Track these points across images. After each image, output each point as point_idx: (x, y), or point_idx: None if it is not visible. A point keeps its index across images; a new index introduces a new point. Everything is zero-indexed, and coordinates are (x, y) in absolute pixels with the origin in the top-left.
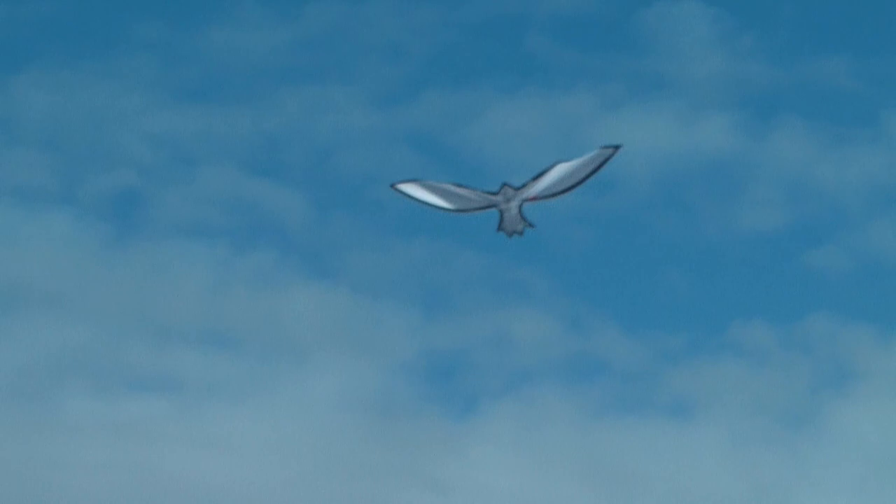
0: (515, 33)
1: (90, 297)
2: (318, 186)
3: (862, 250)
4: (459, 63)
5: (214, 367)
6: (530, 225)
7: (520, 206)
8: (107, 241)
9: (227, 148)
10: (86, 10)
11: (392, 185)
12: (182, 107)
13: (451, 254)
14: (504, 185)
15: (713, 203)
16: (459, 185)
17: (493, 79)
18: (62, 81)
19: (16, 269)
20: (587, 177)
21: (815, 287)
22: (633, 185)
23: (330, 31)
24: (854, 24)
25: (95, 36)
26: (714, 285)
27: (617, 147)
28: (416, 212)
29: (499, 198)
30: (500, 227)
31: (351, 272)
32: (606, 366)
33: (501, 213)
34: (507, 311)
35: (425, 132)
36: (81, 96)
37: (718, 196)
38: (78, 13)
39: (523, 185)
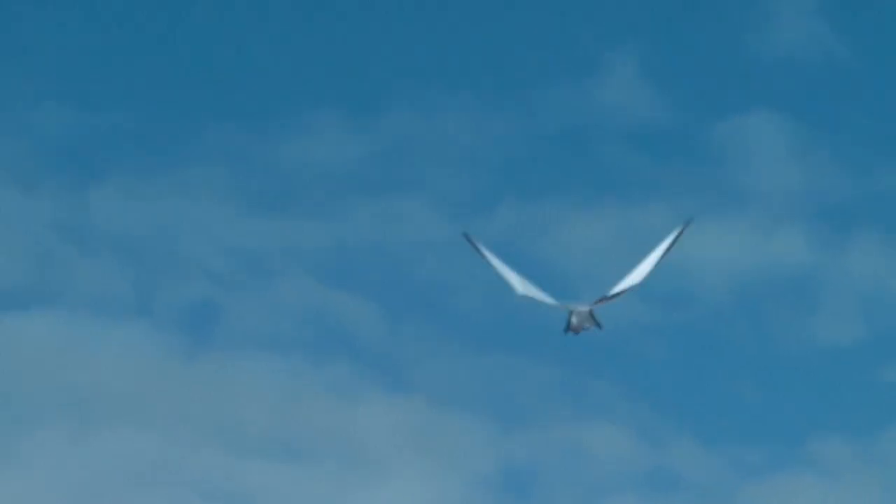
0: (589, 145)
1: (164, 408)
2: (392, 298)
3: None
4: (533, 174)
5: (288, 480)
6: (599, 325)
7: (591, 309)
8: (181, 352)
9: (302, 259)
10: (162, 121)
11: (465, 234)
12: (257, 218)
13: (527, 366)
14: (577, 303)
15: (788, 316)
16: (535, 287)
17: (567, 191)
18: (139, 193)
19: (91, 379)
20: (657, 261)
21: (891, 401)
22: (708, 298)
23: (405, 143)
24: None
25: (172, 147)
26: (790, 399)
27: (688, 222)
28: (490, 324)
29: (570, 307)
30: (568, 328)
31: (426, 384)
32: (682, 480)
33: (571, 313)
34: (583, 424)
35: (501, 244)
36: (157, 208)
37: (794, 309)
38: (154, 125)
39: (596, 301)
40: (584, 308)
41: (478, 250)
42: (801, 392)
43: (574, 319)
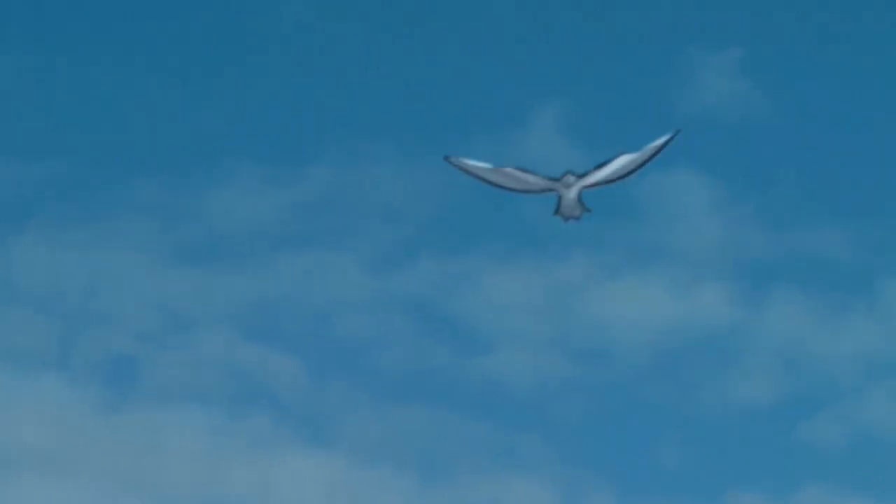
0: (510, 199)
1: (83, 462)
2: (314, 352)
3: (856, 422)
4: (456, 228)
5: None
6: (588, 210)
7: (579, 192)
8: (101, 405)
9: (225, 312)
10: (85, 171)
11: (446, 158)
12: (180, 270)
13: (448, 421)
14: (567, 172)
15: (708, 373)
16: (521, 169)
17: (488, 245)
18: (60, 243)
19: (9, 432)
20: (646, 162)
21: (810, 459)
22: (628, 355)
23: (328, 196)
24: (849, 194)
25: (95, 198)
26: (709, 456)
27: (677, 131)
28: (412, 378)
29: (559, 183)
30: (557, 211)
31: (347, 438)
32: None
33: (560, 197)
34: (504, 479)
35: (421, 298)
36: (80, 259)
37: (713, 366)
38: (77, 176)
39: (586, 173)
40: (573, 193)
41: (462, 168)
42: (719, 449)
43: (563, 202)
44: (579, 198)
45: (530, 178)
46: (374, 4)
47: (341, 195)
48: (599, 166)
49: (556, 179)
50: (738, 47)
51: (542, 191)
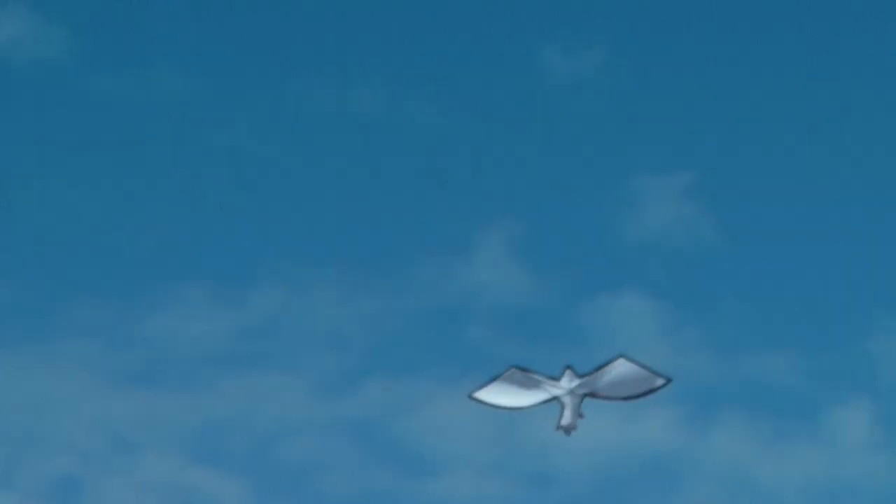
0: (456, 325)
1: None
2: (259, 475)
3: None
4: (401, 353)
5: None
6: (581, 416)
7: (581, 398)
8: None
9: (169, 435)
10: (26, 293)
11: (471, 396)
12: (123, 393)
13: None
14: (567, 367)
15: (652, 499)
16: (521, 369)
17: (433, 371)
18: (2, 364)
19: None
20: (639, 396)
21: None
22: (572, 479)
23: (273, 320)
24: (797, 321)
25: (36, 320)
26: None
27: (669, 380)
28: (357, 501)
29: (562, 383)
30: (559, 426)
31: None
32: None
33: (563, 405)
34: None
35: (365, 422)
36: (21, 380)
37: (657, 491)
38: (18, 297)
39: (588, 374)
40: (575, 401)
41: (485, 403)
42: None
43: (566, 415)
44: (579, 406)
45: (532, 379)
46: (316, 127)
47: (286, 319)
48: (599, 368)
49: (557, 379)
50: (685, 171)
51: (545, 401)
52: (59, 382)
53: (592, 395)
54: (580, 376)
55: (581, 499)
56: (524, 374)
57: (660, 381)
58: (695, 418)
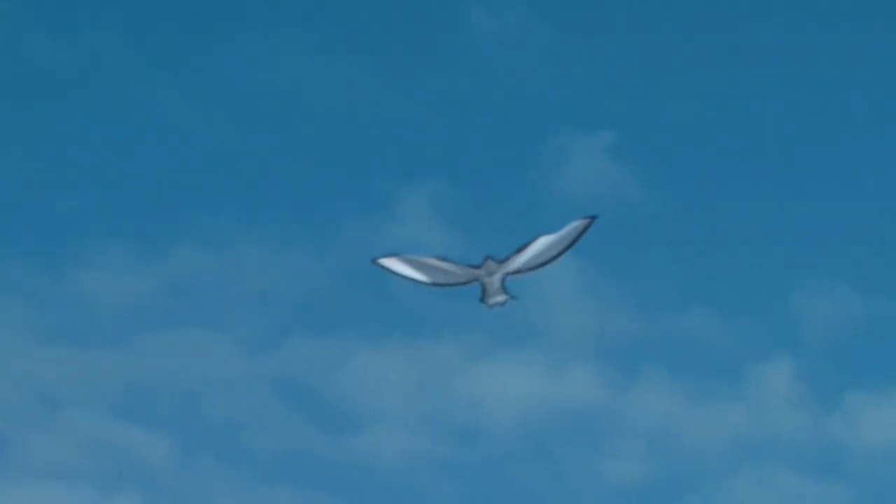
0: (380, 280)
1: None
2: (184, 431)
3: None
4: (326, 310)
5: None
6: (512, 297)
7: (503, 280)
8: None
9: (93, 391)
10: None
11: (373, 260)
12: (47, 349)
13: (319, 499)
14: (487, 258)
15: (578, 454)
16: (442, 259)
17: (359, 326)
18: None
19: None
20: (567, 248)
21: None
22: (496, 435)
23: (197, 277)
24: (718, 279)
25: None
26: None
27: (593, 217)
28: (283, 458)
29: (481, 271)
30: (482, 300)
31: None
32: None
33: (484, 286)
34: None
35: (291, 378)
36: None
37: (583, 447)
38: None
39: (506, 259)
40: (496, 282)
41: (389, 270)
42: None
43: (487, 291)
44: (503, 285)
45: (452, 268)
46: (242, 86)
47: (213, 276)
48: (519, 250)
49: (478, 267)
50: (609, 129)
51: (466, 282)
52: None
53: (516, 272)
54: (499, 262)
55: (508, 454)
56: (443, 262)
57: (584, 222)
58: (618, 375)
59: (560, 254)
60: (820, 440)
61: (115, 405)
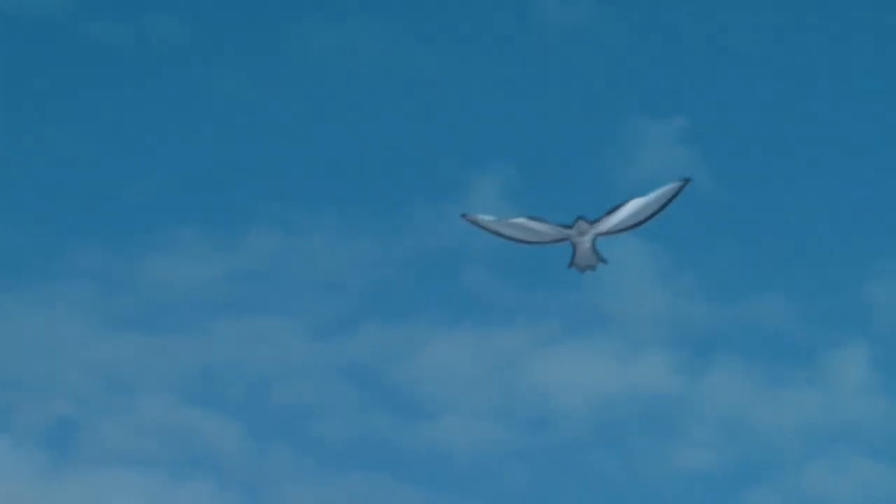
0: (451, 268)
1: None
2: (255, 417)
3: (797, 492)
4: (397, 297)
5: None
6: (603, 260)
7: (593, 240)
8: (42, 469)
9: (165, 377)
10: (24, 237)
11: (463, 215)
12: (119, 335)
13: (391, 487)
14: (578, 218)
15: (650, 441)
16: (532, 218)
17: (430, 314)
18: None
19: None
20: (659, 210)
21: None
22: (569, 422)
23: (268, 263)
24: (792, 265)
25: (35, 263)
26: None
27: (686, 180)
28: (354, 445)
29: (572, 231)
30: (572, 263)
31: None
32: None
33: (574, 246)
34: None
35: (363, 365)
36: (18, 324)
37: (655, 434)
38: (15, 241)
39: (597, 219)
40: (587, 243)
41: (478, 225)
42: None
43: (577, 252)
44: (593, 247)
45: (542, 227)
46: (312, 70)
47: (282, 262)
48: (611, 211)
49: (569, 227)
50: (681, 115)
51: (556, 241)
52: (55, 325)
53: (608, 233)
54: (590, 222)
55: (580, 442)
56: (534, 221)
57: (677, 185)
58: (692, 362)
59: (652, 216)
60: (895, 427)
61: (187, 391)
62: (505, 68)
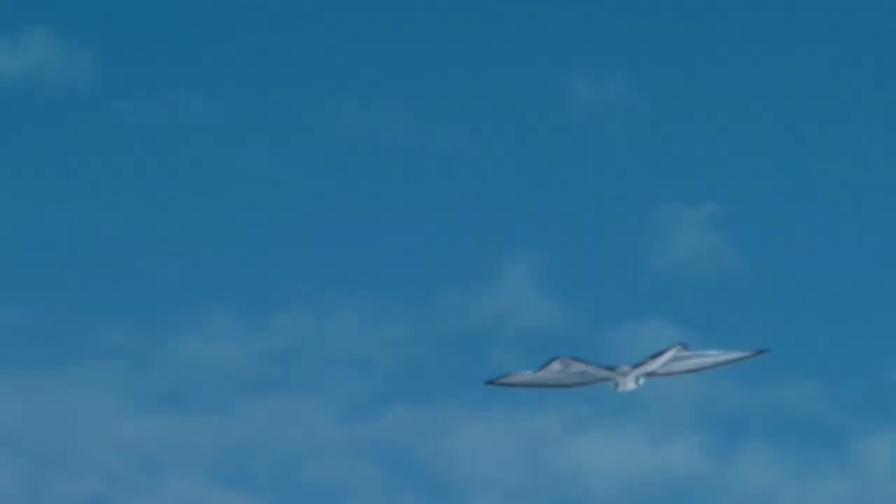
0: (481, 350)
1: None
2: (283, 497)
3: None
4: (426, 378)
5: None
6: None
7: (637, 380)
8: None
9: (194, 457)
10: (56, 316)
11: (487, 382)
12: (150, 415)
13: None
14: (622, 364)
15: None
16: (574, 359)
17: (460, 394)
18: (32, 385)
19: None
20: (714, 366)
21: None
22: None
23: (297, 344)
24: (823, 350)
25: (67, 341)
26: None
27: (763, 351)
28: None
29: (614, 372)
30: (615, 388)
31: None
32: None
33: (616, 384)
34: None
35: (392, 446)
36: (51, 401)
37: None
38: (48, 319)
39: (641, 363)
40: (630, 384)
41: (504, 384)
42: None
43: (619, 388)
44: (638, 385)
45: (584, 367)
46: (343, 154)
47: (311, 343)
48: (654, 357)
49: (612, 369)
50: (712, 201)
51: (599, 381)
52: (87, 404)
53: (652, 374)
54: (633, 366)
55: None
56: (575, 361)
57: (749, 353)
58: (721, 446)
59: (704, 369)
60: None
61: (215, 471)
62: (535, 151)
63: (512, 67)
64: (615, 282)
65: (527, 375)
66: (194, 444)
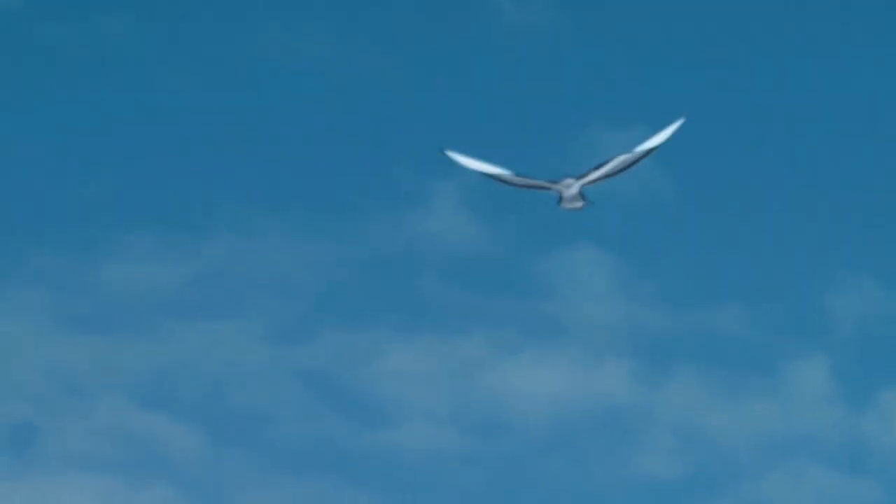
0: (409, 274)
1: None
2: (212, 422)
3: (755, 501)
4: (355, 301)
5: None
6: (590, 202)
7: (580, 188)
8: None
9: (121, 380)
10: None
11: (442, 151)
12: (76, 339)
13: (347, 492)
14: (565, 176)
15: (608, 449)
16: (520, 176)
17: (387, 319)
18: None
19: None
20: (645, 155)
21: None
22: (525, 431)
23: (224, 267)
24: (752, 275)
25: None
26: None
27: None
28: (311, 450)
29: (559, 185)
30: (559, 203)
31: None
32: None
33: (561, 192)
34: None
35: (319, 370)
36: None
37: (613, 443)
38: None
39: (584, 174)
40: (574, 189)
41: (455, 163)
42: None
43: (564, 197)
44: (580, 192)
45: (530, 181)
46: (265, 76)
47: (237, 267)
48: (597, 167)
49: (556, 182)
50: (640, 125)
51: (542, 189)
52: (11, 329)
53: (594, 181)
54: (577, 177)
55: (537, 448)
56: (520, 177)
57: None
58: (650, 372)
59: (638, 160)
60: (853, 438)
61: (143, 395)
62: (462, 71)
63: None
64: (544, 206)
65: (479, 164)
66: (121, 367)
